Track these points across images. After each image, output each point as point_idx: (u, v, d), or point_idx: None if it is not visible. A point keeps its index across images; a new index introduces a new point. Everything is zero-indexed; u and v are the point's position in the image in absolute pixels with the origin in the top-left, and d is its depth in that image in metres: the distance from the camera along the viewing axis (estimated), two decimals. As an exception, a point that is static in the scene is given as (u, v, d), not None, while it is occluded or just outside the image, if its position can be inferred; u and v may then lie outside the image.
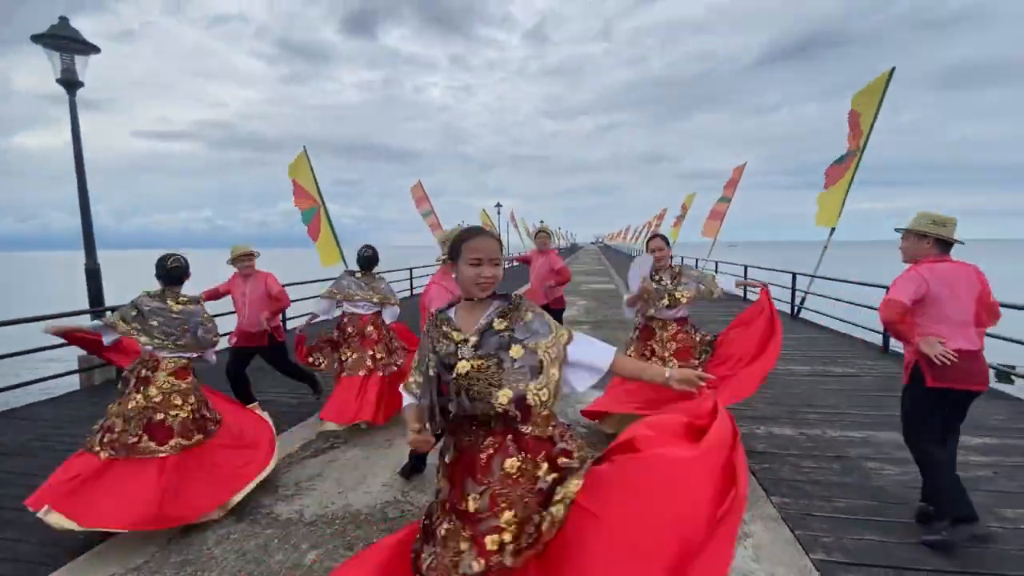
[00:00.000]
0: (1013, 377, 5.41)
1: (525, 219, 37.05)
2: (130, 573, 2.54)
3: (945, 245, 2.61)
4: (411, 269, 14.72)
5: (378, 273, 4.79)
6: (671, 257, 4.12)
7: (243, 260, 4.30)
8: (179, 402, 3.05)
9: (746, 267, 13.06)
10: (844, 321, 8.57)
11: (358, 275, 4.69)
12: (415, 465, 3.50)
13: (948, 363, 2.43)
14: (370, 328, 4.54)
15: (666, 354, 3.80)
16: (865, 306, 7.67)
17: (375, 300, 4.61)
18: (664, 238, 4.00)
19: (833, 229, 8.20)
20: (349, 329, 4.56)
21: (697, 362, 3.77)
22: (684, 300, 3.78)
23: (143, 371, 3.05)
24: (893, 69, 7.73)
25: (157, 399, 2.99)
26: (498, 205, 26.33)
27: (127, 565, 2.60)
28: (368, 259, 4.67)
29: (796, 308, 9.86)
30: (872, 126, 7.80)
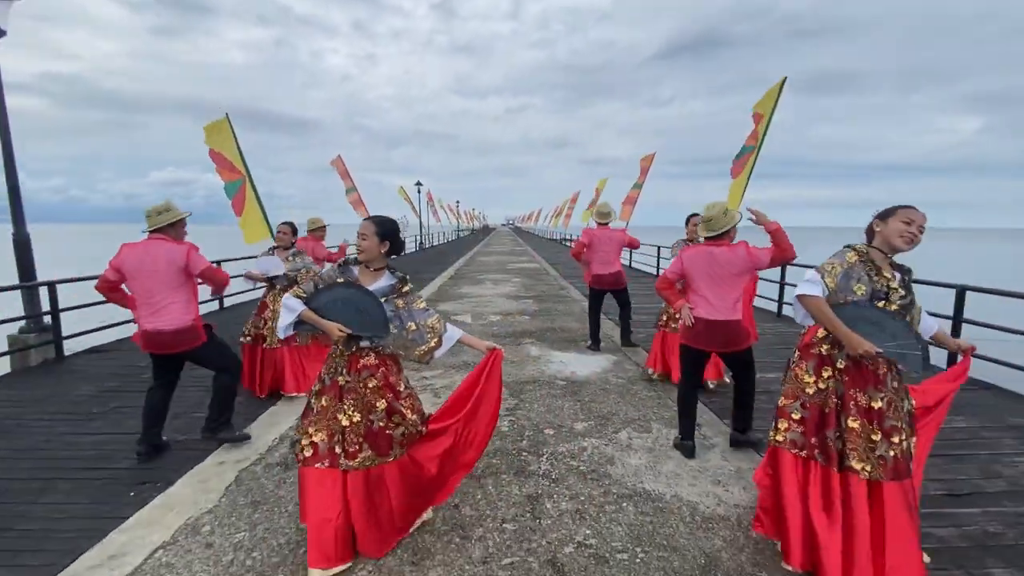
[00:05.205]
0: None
1: (442, 199, 36.63)
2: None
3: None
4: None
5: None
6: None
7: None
8: None
9: (659, 248, 14.42)
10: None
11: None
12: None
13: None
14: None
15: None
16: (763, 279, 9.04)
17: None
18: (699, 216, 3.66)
19: (740, 215, 9.57)
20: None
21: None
22: None
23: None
24: (785, 78, 9.17)
25: None
26: (418, 184, 25.95)
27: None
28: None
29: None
30: (768, 126, 9.21)
